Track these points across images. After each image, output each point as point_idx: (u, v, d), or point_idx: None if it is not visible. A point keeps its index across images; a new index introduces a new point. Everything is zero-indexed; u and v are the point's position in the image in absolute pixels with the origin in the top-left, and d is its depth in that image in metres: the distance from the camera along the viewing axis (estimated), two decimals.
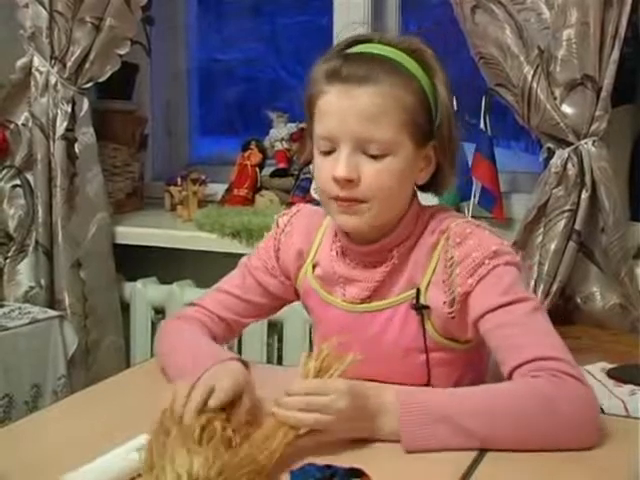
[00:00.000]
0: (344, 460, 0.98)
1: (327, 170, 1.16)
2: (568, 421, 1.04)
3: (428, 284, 1.20)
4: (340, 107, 1.14)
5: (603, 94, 1.80)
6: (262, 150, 2.50)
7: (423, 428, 1.03)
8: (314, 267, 1.30)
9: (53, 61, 2.31)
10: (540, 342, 1.10)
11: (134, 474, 0.96)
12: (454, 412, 1.05)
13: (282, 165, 2.48)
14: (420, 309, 1.20)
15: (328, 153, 1.17)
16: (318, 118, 1.18)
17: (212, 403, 1.04)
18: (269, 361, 2.21)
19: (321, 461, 0.96)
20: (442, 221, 1.21)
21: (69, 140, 2.32)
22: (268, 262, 1.34)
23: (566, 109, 1.84)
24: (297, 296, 1.36)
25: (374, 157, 1.15)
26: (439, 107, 1.18)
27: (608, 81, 1.80)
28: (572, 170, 1.84)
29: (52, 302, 2.34)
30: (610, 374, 1.59)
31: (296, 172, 2.43)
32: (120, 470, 0.96)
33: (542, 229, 1.88)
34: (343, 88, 1.14)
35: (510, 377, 1.10)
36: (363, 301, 1.24)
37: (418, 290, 1.20)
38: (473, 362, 1.25)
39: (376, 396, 1.07)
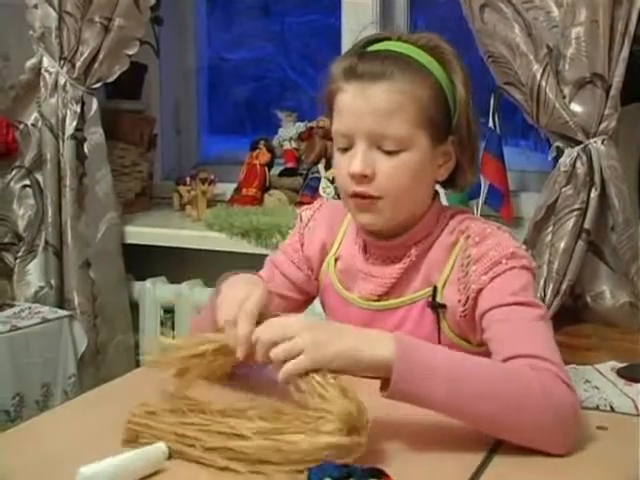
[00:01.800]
0: (357, 459, 0.98)
1: (344, 166, 1.18)
2: (555, 419, 1.02)
3: (445, 282, 1.20)
4: (355, 104, 1.16)
5: (612, 92, 1.80)
6: (271, 149, 2.51)
7: (419, 370, 1.00)
8: (336, 261, 1.31)
9: (62, 61, 2.32)
10: (538, 344, 1.08)
11: (151, 470, 0.97)
12: (454, 366, 1.02)
13: (291, 164, 2.49)
14: (436, 307, 1.20)
15: (345, 150, 1.19)
16: (336, 115, 1.20)
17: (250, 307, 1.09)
18: None
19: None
20: (462, 222, 1.22)
21: (78, 140, 2.33)
22: (294, 256, 1.35)
23: (575, 107, 1.83)
24: (318, 290, 1.37)
25: (389, 153, 1.16)
26: (457, 103, 1.19)
27: (617, 79, 1.79)
28: (581, 169, 1.83)
29: (62, 302, 2.35)
30: (620, 373, 1.58)
31: (305, 171, 2.43)
32: (137, 465, 0.96)
33: (551, 228, 1.88)
34: (359, 85, 1.15)
35: None
36: (380, 298, 1.24)
37: (435, 288, 1.20)
38: None
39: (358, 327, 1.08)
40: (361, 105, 1.15)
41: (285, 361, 1.01)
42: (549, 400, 1.02)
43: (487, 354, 1.15)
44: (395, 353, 1.00)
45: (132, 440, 1.03)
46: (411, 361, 1.01)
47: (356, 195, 1.18)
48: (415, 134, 1.16)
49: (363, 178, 1.16)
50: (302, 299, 1.38)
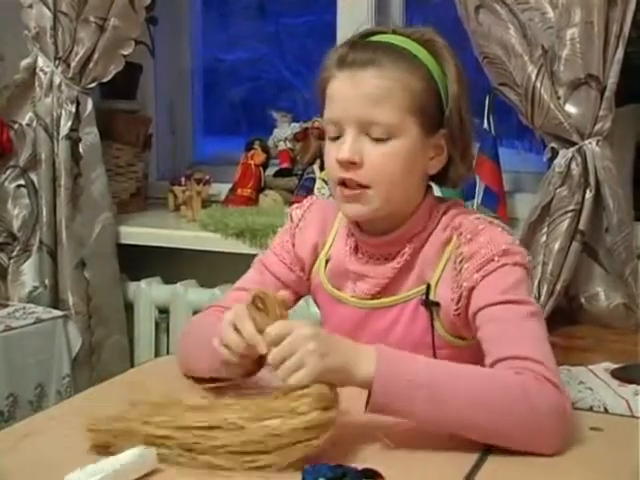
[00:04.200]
0: (352, 459, 0.99)
1: (333, 154, 1.18)
2: (540, 422, 1.03)
3: (438, 280, 1.20)
4: (345, 91, 1.16)
5: (607, 94, 1.80)
6: (266, 150, 2.50)
7: (398, 384, 1.02)
8: (327, 262, 1.30)
9: (57, 61, 2.31)
10: (529, 344, 1.09)
11: (139, 474, 0.96)
12: (435, 380, 1.03)
13: (285, 165, 2.48)
14: (430, 305, 1.19)
15: (336, 138, 1.18)
16: (327, 104, 1.20)
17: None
18: None
19: (334, 460, 0.97)
20: (455, 217, 1.21)
21: (73, 140, 2.33)
22: (285, 257, 1.34)
23: (570, 109, 1.83)
24: (310, 290, 1.36)
25: (379, 140, 1.15)
26: (449, 96, 1.18)
27: (612, 80, 1.80)
28: (576, 170, 1.84)
29: (56, 302, 2.34)
30: (614, 374, 1.58)
31: (300, 172, 2.43)
32: (124, 471, 0.95)
33: (546, 229, 1.88)
34: (349, 73, 1.16)
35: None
36: (373, 297, 1.24)
37: (428, 286, 1.20)
38: (480, 360, 1.24)
39: (351, 342, 1.07)
40: (350, 91, 1.15)
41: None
42: (531, 405, 1.02)
43: (480, 349, 1.15)
44: (375, 369, 1.02)
45: (102, 447, 1.02)
46: (390, 376, 1.02)
47: (344, 183, 1.17)
48: (405, 121, 1.15)
49: (351, 165, 1.16)
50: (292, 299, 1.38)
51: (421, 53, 1.18)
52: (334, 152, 1.18)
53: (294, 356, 1.01)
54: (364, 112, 1.15)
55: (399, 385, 1.02)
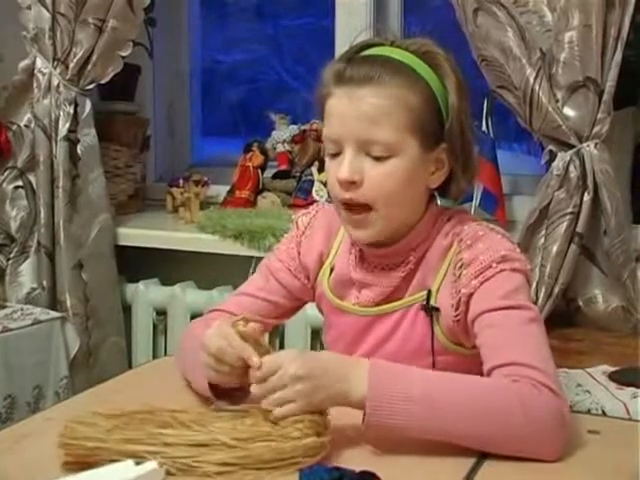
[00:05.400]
0: (349, 462, 0.98)
1: (333, 172, 1.17)
2: (537, 430, 1.03)
3: (439, 286, 1.19)
4: (343, 109, 1.15)
5: (605, 97, 1.81)
6: (264, 152, 2.50)
7: (393, 401, 1.02)
8: (331, 271, 1.30)
9: (56, 62, 2.31)
10: (527, 350, 1.09)
11: None
12: (431, 393, 1.03)
13: (284, 167, 2.48)
14: (430, 310, 1.19)
15: (335, 155, 1.17)
16: (326, 120, 1.19)
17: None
18: None
19: (331, 462, 0.98)
20: (457, 225, 1.20)
21: (71, 141, 2.33)
22: (291, 264, 1.33)
23: (568, 111, 1.84)
24: (314, 297, 1.36)
25: (378, 159, 1.14)
26: (449, 109, 1.17)
27: (610, 83, 1.80)
28: (574, 173, 1.84)
29: (54, 303, 2.34)
30: (612, 377, 1.58)
31: (298, 174, 2.43)
32: None
33: (544, 231, 1.88)
34: (347, 90, 1.14)
35: (489, 376, 1.09)
36: (377, 304, 1.24)
37: (429, 292, 1.20)
38: (479, 367, 1.24)
39: (342, 358, 1.09)
40: (348, 110, 1.14)
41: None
42: (529, 414, 1.02)
43: (480, 356, 1.14)
44: (367, 390, 1.02)
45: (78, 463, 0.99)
46: (383, 395, 1.02)
47: (346, 203, 1.17)
48: (404, 140, 1.14)
49: (351, 184, 1.15)
50: (294, 306, 1.37)
51: (420, 66, 1.16)
52: (334, 169, 1.17)
53: (282, 392, 1.03)
54: (362, 131, 1.13)
55: (392, 402, 1.02)
